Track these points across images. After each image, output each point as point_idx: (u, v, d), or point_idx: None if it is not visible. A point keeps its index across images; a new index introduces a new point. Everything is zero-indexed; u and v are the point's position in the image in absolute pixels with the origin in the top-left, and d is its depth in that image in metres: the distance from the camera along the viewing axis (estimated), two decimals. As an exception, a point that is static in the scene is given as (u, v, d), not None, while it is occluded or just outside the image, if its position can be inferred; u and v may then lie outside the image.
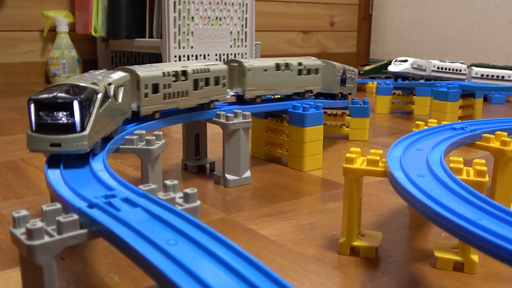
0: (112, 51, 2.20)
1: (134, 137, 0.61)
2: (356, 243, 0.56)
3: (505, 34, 2.42)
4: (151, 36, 1.90)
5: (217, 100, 0.82)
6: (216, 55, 1.94)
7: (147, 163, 0.61)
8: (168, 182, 0.42)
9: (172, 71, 0.73)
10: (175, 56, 1.81)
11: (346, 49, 3.03)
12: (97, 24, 1.96)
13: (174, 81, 0.73)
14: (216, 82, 0.80)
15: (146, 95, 0.69)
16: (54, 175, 0.48)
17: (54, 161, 0.51)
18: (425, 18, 2.74)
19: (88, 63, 2.20)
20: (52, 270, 0.36)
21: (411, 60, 1.49)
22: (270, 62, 0.88)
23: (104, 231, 0.36)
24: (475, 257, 0.53)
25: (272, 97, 0.96)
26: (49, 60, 2.06)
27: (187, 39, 1.84)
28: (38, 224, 0.36)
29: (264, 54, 2.58)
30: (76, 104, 0.48)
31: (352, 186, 0.55)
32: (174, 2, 1.78)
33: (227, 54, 1.97)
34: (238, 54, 2.00)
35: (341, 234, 0.59)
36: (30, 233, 0.35)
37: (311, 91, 0.96)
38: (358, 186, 0.56)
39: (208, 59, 1.90)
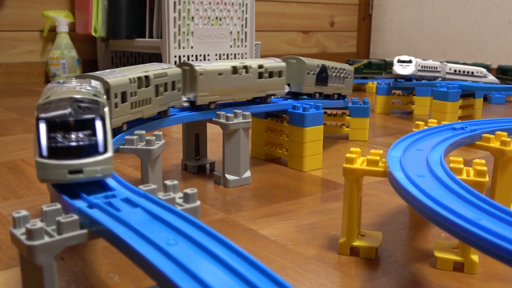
0: (112, 51, 2.20)
1: (134, 137, 0.61)
2: (356, 243, 0.56)
3: (505, 34, 2.42)
4: (151, 36, 1.90)
5: (173, 107, 0.77)
6: (216, 55, 1.94)
7: (147, 163, 0.61)
8: (168, 182, 0.42)
9: (136, 77, 0.67)
10: (175, 56, 1.81)
11: (346, 49, 3.03)
12: (97, 24, 1.96)
13: (139, 88, 0.67)
14: (173, 87, 0.76)
15: (116, 105, 0.63)
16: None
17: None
18: (425, 18, 2.74)
19: (88, 63, 2.20)
20: (52, 270, 0.36)
21: (415, 61, 1.45)
22: (226, 65, 0.81)
23: (104, 231, 0.36)
24: (475, 257, 0.53)
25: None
26: (49, 60, 2.06)
27: (187, 39, 1.84)
28: (38, 224, 0.36)
29: (264, 54, 2.58)
30: (98, 122, 0.40)
31: (352, 186, 0.55)
32: (174, 2, 1.78)
33: (227, 54, 1.97)
34: (238, 54, 2.00)
35: (341, 234, 0.59)
36: (30, 233, 0.35)
37: (274, 95, 0.90)
38: (358, 186, 0.56)
39: (208, 59, 1.91)
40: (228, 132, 0.78)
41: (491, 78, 1.60)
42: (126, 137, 0.61)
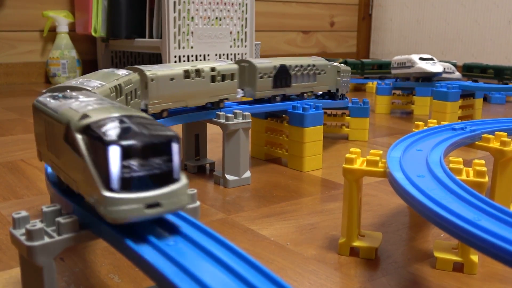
0: (112, 51, 2.20)
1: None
2: (356, 243, 0.57)
3: (505, 34, 2.42)
4: (151, 36, 1.90)
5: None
6: (216, 55, 1.94)
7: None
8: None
9: (113, 86, 0.61)
10: (175, 56, 1.81)
11: (346, 49, 3.03)
12: (97, 24, 1.96)
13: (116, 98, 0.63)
14: (136, 95, 0.71)
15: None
16: (54, 175, 0.48)
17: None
18: (425, 18, 2.74)
19: (88, 63, 2.20)
20: (52, 271, 0.36)
21: (435, 59, 1.39)
22: (178, 69, 0.75)
23: (103, 231, 0.36)
24: (474, 257, 0.53)
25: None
26: (49, 60, 2.06)
27: (187, 39, 1.84)
28: (38, 225, 0.36)
29: (264, 54, 2.58)
30: (175, 145, 0.34)
31: (352, 187, 0.55)
32: (174, 2, 1.78)
33: (227, 54, 1.97)
34: (238, 54, 2.00)
35: (341, 235, 0.59)
36: (30, 234, 0.35)
37: (227, 99, 0.85)
38: (358, 187, 0.56)
39: (208, 59, 1.91)
40: (228, 132, 0.78)
41: (457, 74, 1.60)
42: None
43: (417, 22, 2.78)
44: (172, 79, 0.74)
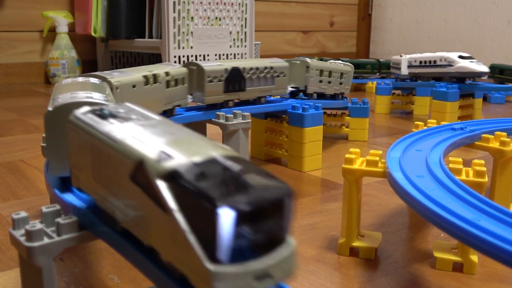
0: (112, 51, 2.20)
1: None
2: (356, 243, 0.57)
3: (504, 33, 2.42)
4: (150, 37, 1.90)
5: None
6: (216, 55, 1.94)
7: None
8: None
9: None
10: (175, 57, 1.81)
11: (346, 49, 3.03)
12: (97, 25, 1.96)
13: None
14: None
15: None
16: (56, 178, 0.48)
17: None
18: (424, 18, 2.74)
19: (88, 64, 2.20)
20: (51, 272, 0.36)
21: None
22: (138, 74, 0.68)
23: (103, 232, 0.36)
24: (474, 257, 0.53)
25: (272, 97, 0.96)
26: (48, 61, 2.06)
27: (187, 39, 1.84)
28: (38, 225, 0.36)
29: (263, 54, 2.58)
30: (288, 201, 0.27)
31: (351, 187, 0.55)
32: (174, 2, 1.78)
33: (227, 54, 1.97)
34: (238, 54, 2.01)
35: (340, 235, 0.59)
36: (29, 235, 0.35)
37: (179, 106, 0.79)
38: (357, 187, 0.56)
39: (208, 59, 1.91)
40: (227, 132, 0.78)
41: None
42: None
43: (417, 22, 2.78)
44: (134, 86, 0.66)
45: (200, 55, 1.89)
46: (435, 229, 0.65)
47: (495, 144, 0.65)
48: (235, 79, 0.83)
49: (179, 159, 0.27)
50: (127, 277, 0.51)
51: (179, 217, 0.26)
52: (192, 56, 1.86)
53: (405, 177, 0.48)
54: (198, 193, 0.25)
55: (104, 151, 0.32)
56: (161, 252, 0.28)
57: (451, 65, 1.31)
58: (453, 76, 1.32)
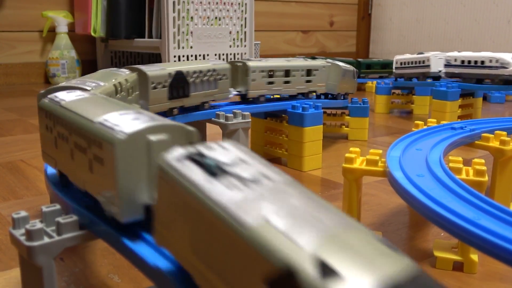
0: (112, 51, 2.20)
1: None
2: (356, 243, 0.56)
3: (504, 33, 2.42)
4: (150, 36, 1.90)
5: None
6: (215, 55, 1.94)
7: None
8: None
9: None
10: (175, 56, 1.81)
11: (346, 49, 3.03)
12: (97, 25, 1.96)
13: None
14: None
15: None
16: (54, 176, 0.48)
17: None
18: (424, 17, 2.74)
19: (88, 64, 2.20)
20: (51, 271, 0.36)
21: None
22: (109, 85, 0.59)
23: (103, 232, 0.36)
24: (474, 256, 0.53)
25: (272, 97, 0.96)
26: (48, 61, 2.06)
27: (187, 39, 1.84)
28: (38, 225, 0.36)
29: (263, 54, 2.58)
30: None
31: (351, 186, 0.55)
32: (174, 2, 1.78)
33: (227, 54, 1.97)
34: (238, 54, 2.01)
35: (340, 234, 0.59)
36: (29, 234, 0.35)
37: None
38: (357, 186, 0.56)
39: (208, 59, 1.90)
40: (227, 132, 0.78)
41: None
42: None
43: (417, 21, 2.78)
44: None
45: (200, 55, 1.89)
46: (435, 228, 0.65)
47: (495, 143, 0.65)
48: (179, 84, 0.75)
49: (352, 281, 0.19)
50: (128, 277, 0.51)
51: None
52: (192, 56, 1.86)
53: (405, 176, 0.48)
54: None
55: (220, 229, 0.23)
56: None
57: (505, 67, 1.23)
58: (504, 79, 1.24)
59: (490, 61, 1.25)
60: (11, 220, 0.37)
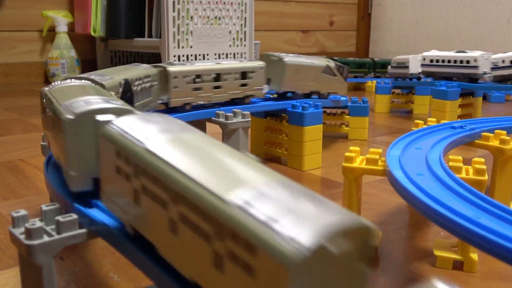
0: (111, 51, 2.20)
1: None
2: (356, 242, 0.56)
3: (504, 33, 2.42)
4: (150, 36, 1.90)
5: None
6: (215, 54, 1.94)
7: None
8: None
9: None
10: (174, 56, 1.81)
11: (346, 49, 3.03)
12: (96, 24, 1.96)
13: None
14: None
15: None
16: (53, 175, 0.48)
17: (53, 162, 0.51)
18: (424, 17, 2.74)
19: (88, 63, 2.20)
20: (51, 270, 0.36)
21: None
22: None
23: (103, 230, 0.36)
24: (474, 255, 0.53)
25: (272, 96, 0.96)
26: (48, 60, 2.06)
27: (186, 39, 1.84)
28: (37, 223, 0.36)
29: (263, 54, 2.58)
30: None
31: (351, 185, 0.55)
32: (173, 2, 1.78)
33: (226, 54, 1.97)
34: (238, 53, 2.00)
35: (340, 233, 0.59)
36: (29, 233, 0.35)
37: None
38: (357, 185, 0.56)
39: (207, 59, 1.90)
40: (227, 131, 0.78)
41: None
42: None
43: (417, 21, 2.78)
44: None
45: (199, 55, 1.89)
46: (435, 227, 0.65)
47: (495, 143, 0.65)
48: (127, 94, 0.68)
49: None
50: (127, 276, 0.51)
51: None
52: (191, 55, 1.86)
53: (405, 175, 0.48)
54: None
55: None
56: None
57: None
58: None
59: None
60: (10, 219, 0.37)
